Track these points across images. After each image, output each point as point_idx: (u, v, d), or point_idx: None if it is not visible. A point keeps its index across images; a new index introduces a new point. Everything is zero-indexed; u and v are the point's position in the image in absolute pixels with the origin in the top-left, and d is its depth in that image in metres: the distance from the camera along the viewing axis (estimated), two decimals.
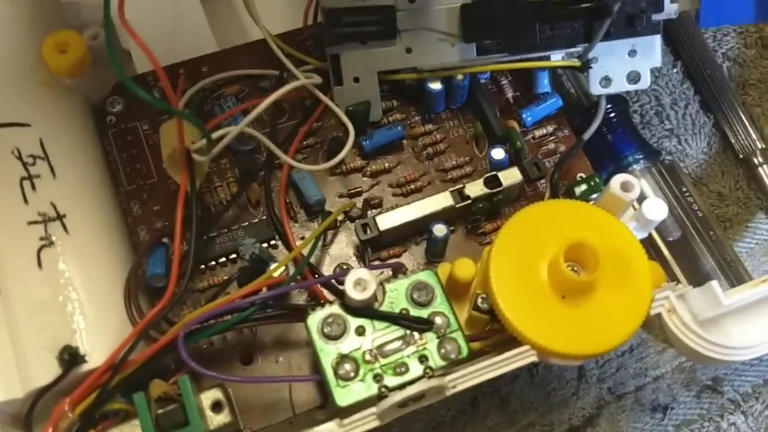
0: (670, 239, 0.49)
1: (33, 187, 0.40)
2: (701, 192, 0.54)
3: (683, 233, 0.49)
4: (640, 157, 0.50)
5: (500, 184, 0.43)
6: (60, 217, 0.40)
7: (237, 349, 0.42)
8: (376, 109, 0.46)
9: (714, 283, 0.39)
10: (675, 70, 0.58)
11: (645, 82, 0.46)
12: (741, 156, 0.55)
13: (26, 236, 0.39)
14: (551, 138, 0.48)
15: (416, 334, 0.36)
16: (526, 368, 0.49)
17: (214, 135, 0.39)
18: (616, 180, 0.38)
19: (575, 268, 0.37)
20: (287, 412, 0.41)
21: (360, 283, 0.35)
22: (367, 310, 0.36)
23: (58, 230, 0.40)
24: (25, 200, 0.40)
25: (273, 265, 0.40)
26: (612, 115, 0.51)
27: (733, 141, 0.55)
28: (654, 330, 0.46)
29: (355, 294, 0.35)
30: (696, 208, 0.49)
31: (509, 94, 0.49)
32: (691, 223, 0.49)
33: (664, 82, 0.57)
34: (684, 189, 0.50)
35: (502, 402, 0.49)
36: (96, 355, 0.37)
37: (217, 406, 0.37)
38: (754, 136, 0.54)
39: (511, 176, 0.43)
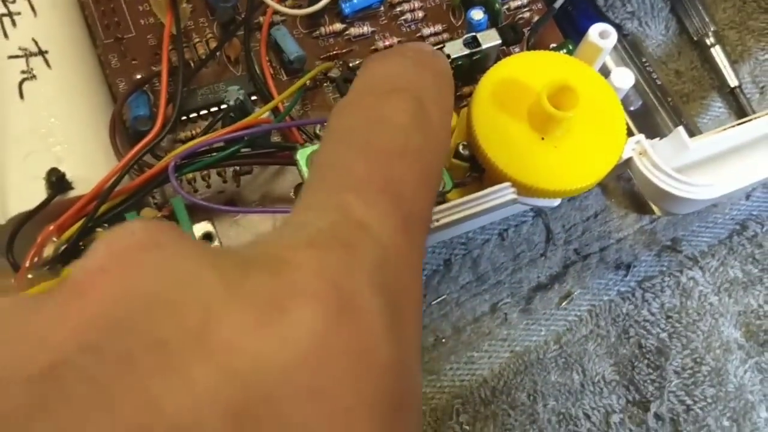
0: (632, 108, 0.51)
1: (14, 23, 0.41)
2: (660, 69, 0.57)
3: (643, 102, 0.52)
4: None
5: (479, 44, 0.44)
6: (42, 53, 0.40)
7: (221, 201, 0.43)
8: None
9: (680, 129, 0.42)
10: None
11: None
12: (695, 39, 0.58)
13: (7, 69, 0.40)
14: (525, 9, 0.50)
15: None
16: (496, 233, 0.52)
17: None
18: (595, 29, 0.40)
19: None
20: None
21: None
22: None
23: (40, 64, 0.40)
24: (5, 35, 0.40)
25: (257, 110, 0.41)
26: None
27: (687, 24, 0.58)
28: (617, 197, 0.50)
29: None
30: (655, 77, 0.52)
31: None
32: (651, 91, 0.52)
33: None
34: (644, 59, 0.53)
35: (473, 263, 0.52)
36: (82, 184, 0.38)
37: (207, 237, 0.38)
38: (706, 20, 0.57)
39: (489, 37, 0.45)
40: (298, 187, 0.43)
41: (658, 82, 0.52)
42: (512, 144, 0.38)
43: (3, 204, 0.38)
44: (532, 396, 0.49)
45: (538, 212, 0.52)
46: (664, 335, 0.51)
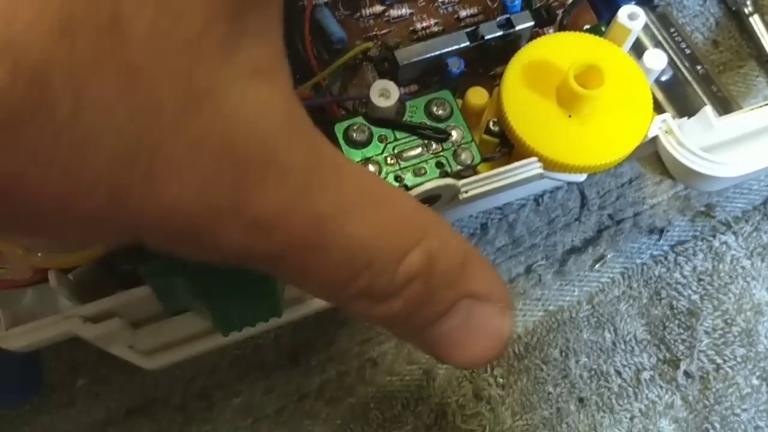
0: (663, 79, 0.53)
1: None
2: (696, 40, 0.59)
3: (674, 73, 0.53)
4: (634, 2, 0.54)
5: (512, 26, 0.46)
6: None
7: None
8: None
9: (707, 108, 0.44)
10: None
11: None
12: (733, 8, 0.59)
13: None
14: None
15: (434, 144, 0.40)
16: (532, 198, 0.55)
17: None
18: (624, 10, 0.42)
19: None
20: None
21: (383, 93, 0.39)
22: (389, 120, 0.40)
23: None
24: None
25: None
26: None
27: None
28: (652, 164, 0.51)
29: (380, 102, 0.38)
30: (684, 46, 0.54)
31: None
32: (680, 62, 0.54)
33: None
34: (672, 29, 0.54)
35: (509, 227, 0.55)
36: None
37: None
38: None
39: (522, 19, 0.47)
40: None
41: (687, 52, 0.54)
42: (540, 121, 0.41)
43: None
44: (565, 352, 0.52)
45: None
46: (695, 297, 0.54)
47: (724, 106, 0.52)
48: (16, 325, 0.36)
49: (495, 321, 0.30)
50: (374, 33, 0.49)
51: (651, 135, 0.42)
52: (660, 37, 0.54)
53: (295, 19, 0.47)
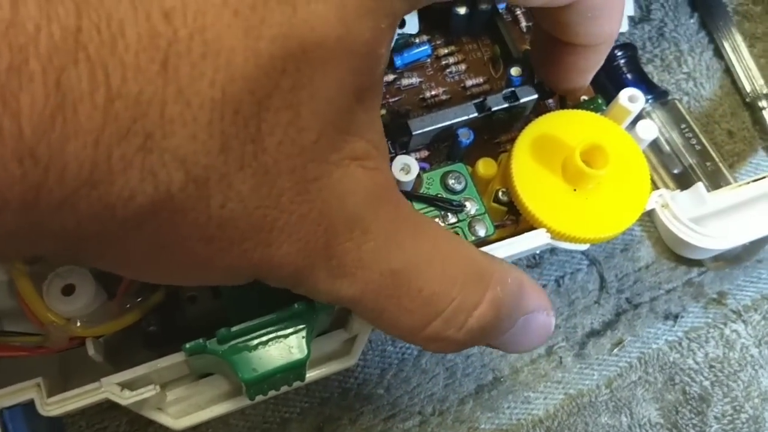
0: (675, 172, 0.57)
1: None
2: (713, 129, 0.64)
3: (684, 167, 0.58)
4: (649, 97, 0.60)
5: (517, 99, 0.50)
6: None
7: None
8: (412, 21, 0.53)
9: (699, 185, 0.49)
10: (692, 20, 0.67)
11: (624, 26, 0.56)
12: (747, 100, 0.64)
13: None
14: None
15: (450, 215, 0.44)
16: (553, 279, 0.59)
17: None
18: (625, 93, 0.46)
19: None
20: None
21: (404, 168, 0.42)
22: (408, 192, 0.44)
23: None
24: None
25: None
26: (623, 61, 0.60)
27: (740, 86, 0.64)
28: (666, 251, 0.56)
29: (401, 176, 0.42)
30: (694, 143, 0.58)
31: (523, 24, 0.56)
32: (690, 157, 0.59)
33: (682, 31, 0.66)
34: (683, 125, 0.59)
35: None
36: None
37: None
38: (760, 83, 0.64)
39: (526, 92, 0.50)
40: None
41: (698, 148, 0.58)
42: (547, 193, 0.45)
43: None
44: None
45: (593, 261, 0.59)
46: (706, 383, 0.57)
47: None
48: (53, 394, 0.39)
49: (545, 322, 0.38)
50: (385, 100, 0.53)
51: (649, 208, 0.46)
52: (670, 129, 0.59)
53: None
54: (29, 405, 0.39)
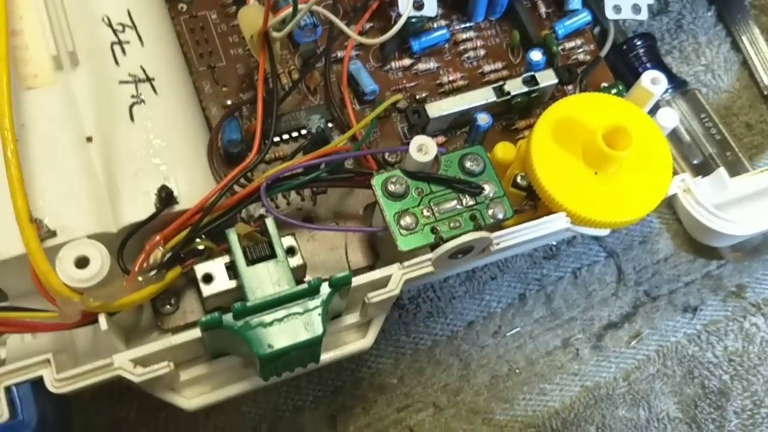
0: (695, 162, 0.57)
1: (123, 51, 0.46)
2: (731, 122, 0.63)
3: (704, 156, 0.57)
4: (669, 86, 0.59)
5: (537, 83, 0.50)
6: (149, 80, 0.46)
7: (299, 217, 0.48)
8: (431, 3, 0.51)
9: (721, 170, 0.47)
10: (709, 13, 0.67)
11: (644, 14, 0.54)
12: (765, 93, 0.64)
13: (118, 93, 0.45)
14: (579, 51, 0.56)
15: (468, 197, 0.42)
16: (570, 271, 0.58)
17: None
18: (647, 75, 0.46)
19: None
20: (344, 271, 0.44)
21: (422, 148, 0.41)
22: (425, 174, 0.43)
23: (148, 90, 0.45)
24: (117, 62, 0.46)
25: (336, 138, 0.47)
26: (642, 51, 0.59)
27: (758, 79, 0.64)
28: (685, 243, 0.55)
29: (418, 157, 0.41)
30: (714, 132, 0.58)
31: (542, 10, 0.56)
32: (710, 147, 0.58)
33: (700, 23, 0.66)
34: (703, 115, 0.58)
35: (547, 298, 0.58)
36: (186, 200, 0.43)
37: (290, 251, 0.43)
38: None
39: (546, 77, 0.51)
40: (367, 207, 0.49)
41: (717, 138, 0.58)
42: (567, 177, 0.44)
43: (115, 215, 0.42)
44: (601, 429, 0.55)
45: (611, 253, 0.58)
46: (726, 377, 0.56)
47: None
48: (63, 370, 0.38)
49: None
50: (402, 85, 0.53)
51: (671, 192, 0.45)
52: (691, 119, 0.58)
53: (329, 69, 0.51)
54: (38, 383, 0.38)
